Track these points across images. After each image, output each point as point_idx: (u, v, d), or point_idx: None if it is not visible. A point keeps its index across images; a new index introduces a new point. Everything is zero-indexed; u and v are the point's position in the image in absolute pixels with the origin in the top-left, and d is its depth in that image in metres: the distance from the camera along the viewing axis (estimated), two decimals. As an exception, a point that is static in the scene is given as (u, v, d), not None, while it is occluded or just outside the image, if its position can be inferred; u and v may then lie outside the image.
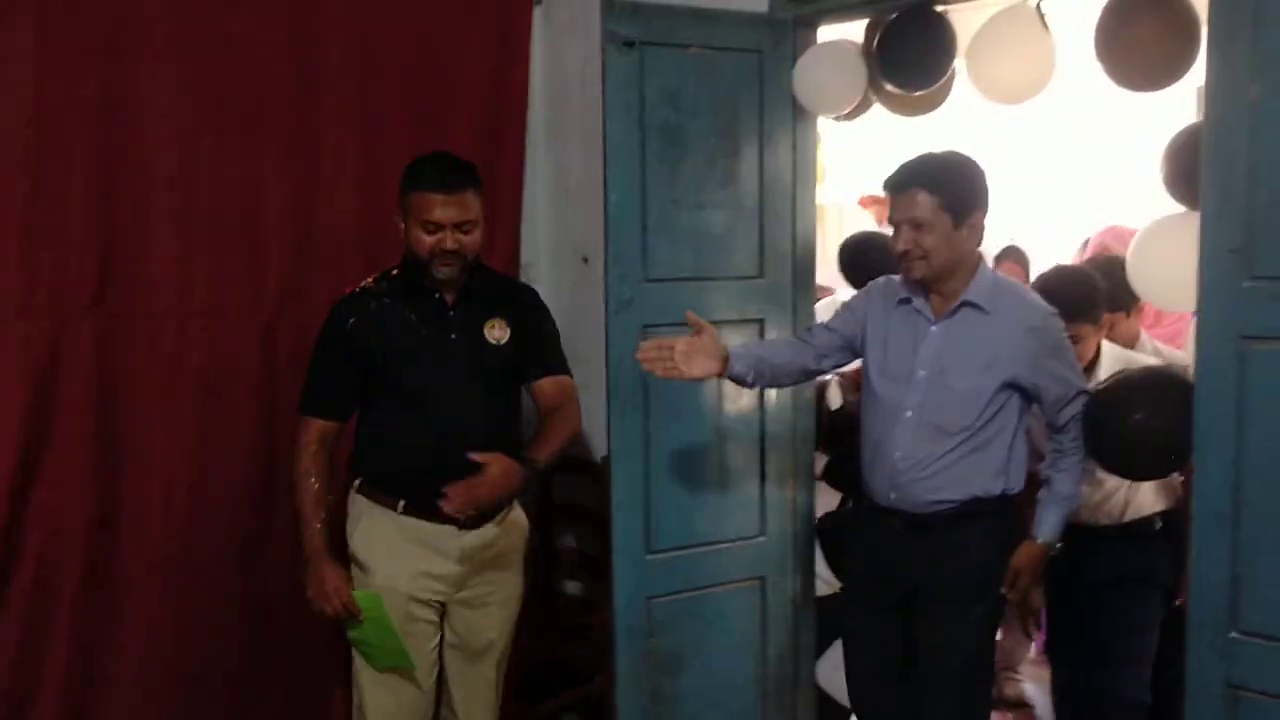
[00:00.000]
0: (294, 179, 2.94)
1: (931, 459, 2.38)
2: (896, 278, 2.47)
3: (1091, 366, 2.65)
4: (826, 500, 3.28)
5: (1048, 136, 4.78)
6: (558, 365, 2.63)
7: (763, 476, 2.98)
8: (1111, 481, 2.67)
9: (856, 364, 2.70)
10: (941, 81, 2.80)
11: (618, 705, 2.85)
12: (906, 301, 2.44)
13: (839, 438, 3.08)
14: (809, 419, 3.06)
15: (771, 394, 2.95)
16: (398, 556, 2.47)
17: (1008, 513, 2.43)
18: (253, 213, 2.89)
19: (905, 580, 2.47)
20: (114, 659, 2.73)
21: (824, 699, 3.22)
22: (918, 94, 2.86)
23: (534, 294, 2.72)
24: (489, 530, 2.52)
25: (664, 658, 2.90)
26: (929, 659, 2.46)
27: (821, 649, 3.22)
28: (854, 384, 3.09)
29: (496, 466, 2.40)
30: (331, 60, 2.99)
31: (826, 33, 2.96)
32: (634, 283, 2.73)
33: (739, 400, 2.91)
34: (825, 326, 2.61)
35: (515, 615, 2.67)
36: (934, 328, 2.40)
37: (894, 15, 2.79)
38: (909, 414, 2.40)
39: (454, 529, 2.45)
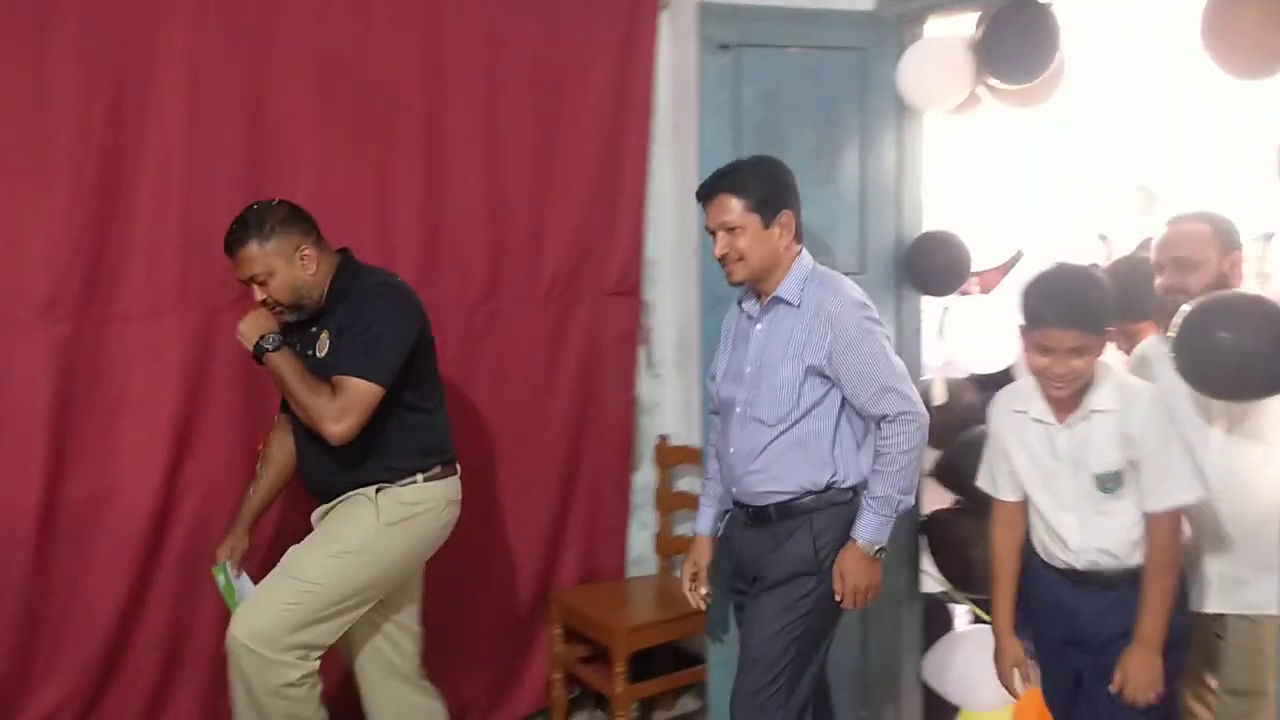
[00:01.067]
0: (423, 184, 3.17)
1: (755, 451, 2.43)
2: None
3: (1086, 389, 2.21)
4: (939, 497, 3.27)
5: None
6: (343, 366, 2.49)
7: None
8: None
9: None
10: (1047, 74, 2.74)
11: (714, 688, 2.94)
12: (741, 305, 2.54)
13: (944, 434, 3.07)
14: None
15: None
16: None
17: (846, 505, 2.39)
18: (384, 215, 3.13)
19: (753, 569, 2.49)
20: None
21: (930, 695, 3.22)
22: (1024, 87, 2.82)
23: (359, 297, 2.55)
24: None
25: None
26: (744, 635, 2.49)
27: (928, 645, 3.22)
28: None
29: None
30: (460, 71, 3.20)
31: (932, 27, 2.95)
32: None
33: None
34: (712, 378, 2.62)
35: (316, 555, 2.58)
36: (757, 325, 2.47)
37: (998, 9, 2.76)
38: (738, 410, 2.47)
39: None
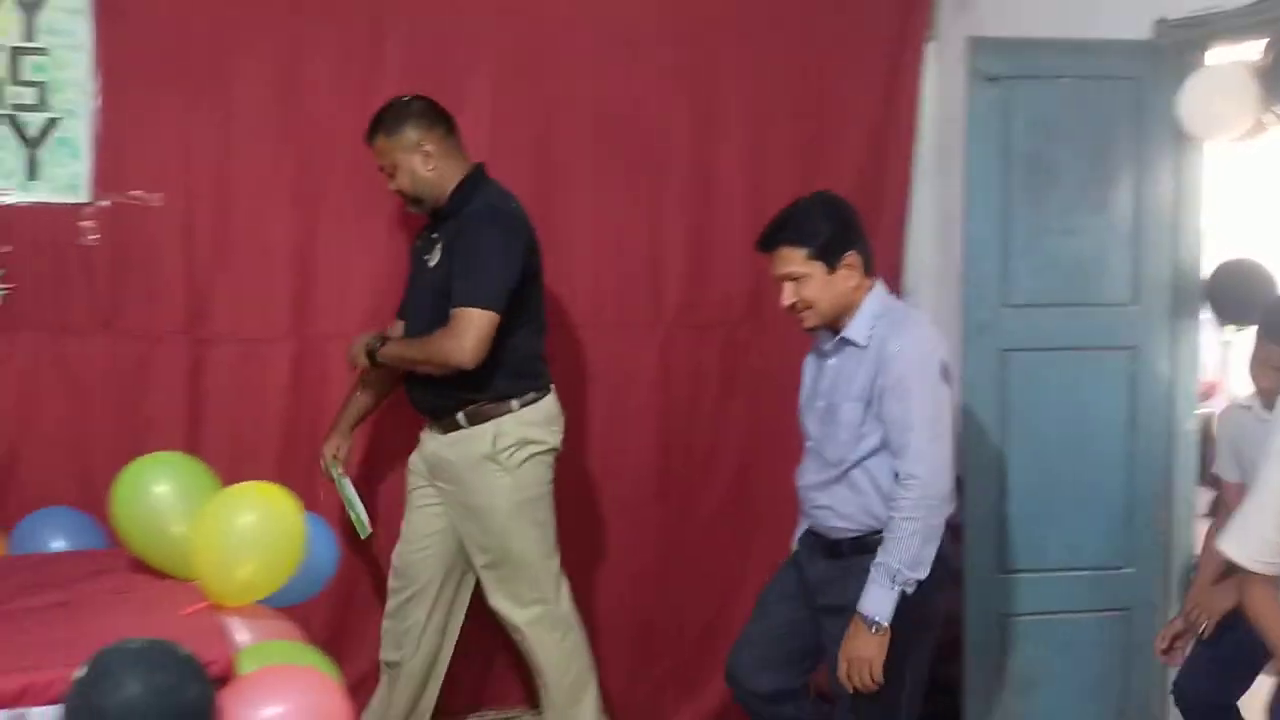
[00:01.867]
0: (690, 213, 3.35)
1: (821, 488, 2.41)
2: None
3: None
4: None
5: None
6: (460, 295, 2.63)
7: (1130, 506, 2.93)
8: None
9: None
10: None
11: (967, 717, 2.94)
12: (817, 345, 2.51)
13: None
14: (1189, 450, 2.96)
15: (1143, 418, 2.90)
16: None
17: None
18: (655, 243, 3.34)
19: (822, 596, 2.43)
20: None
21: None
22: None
23: (471, 218, 2.70)
24: (435, 438, 2.82)
25: (1015, 677, 2.95)
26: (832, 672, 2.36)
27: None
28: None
29: None
30: (727, 105, 3.36)
31: (1213, 55, 2.86)
32: (992, 307, 2.83)
33: (1103, 425, 2.89)
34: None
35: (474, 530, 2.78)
36: (830, 361, 2.45)
37: (1287, 33, 2.65)
38: (810, 444, 2.49)
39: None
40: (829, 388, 2.43)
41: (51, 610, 1.79)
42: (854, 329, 2.37)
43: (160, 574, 1.97)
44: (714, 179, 3.38)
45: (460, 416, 2.73)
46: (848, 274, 2.35)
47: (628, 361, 3.35)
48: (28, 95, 2.75)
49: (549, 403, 2.83)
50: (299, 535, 1.93)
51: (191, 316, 2.92)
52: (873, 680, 2.25)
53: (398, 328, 2.89)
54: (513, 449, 2.73)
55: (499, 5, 3.11)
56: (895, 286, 3.64)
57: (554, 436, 2.83)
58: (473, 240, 2.65)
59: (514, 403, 2.75)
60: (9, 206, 2.77)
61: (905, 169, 3.64)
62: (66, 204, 2.81)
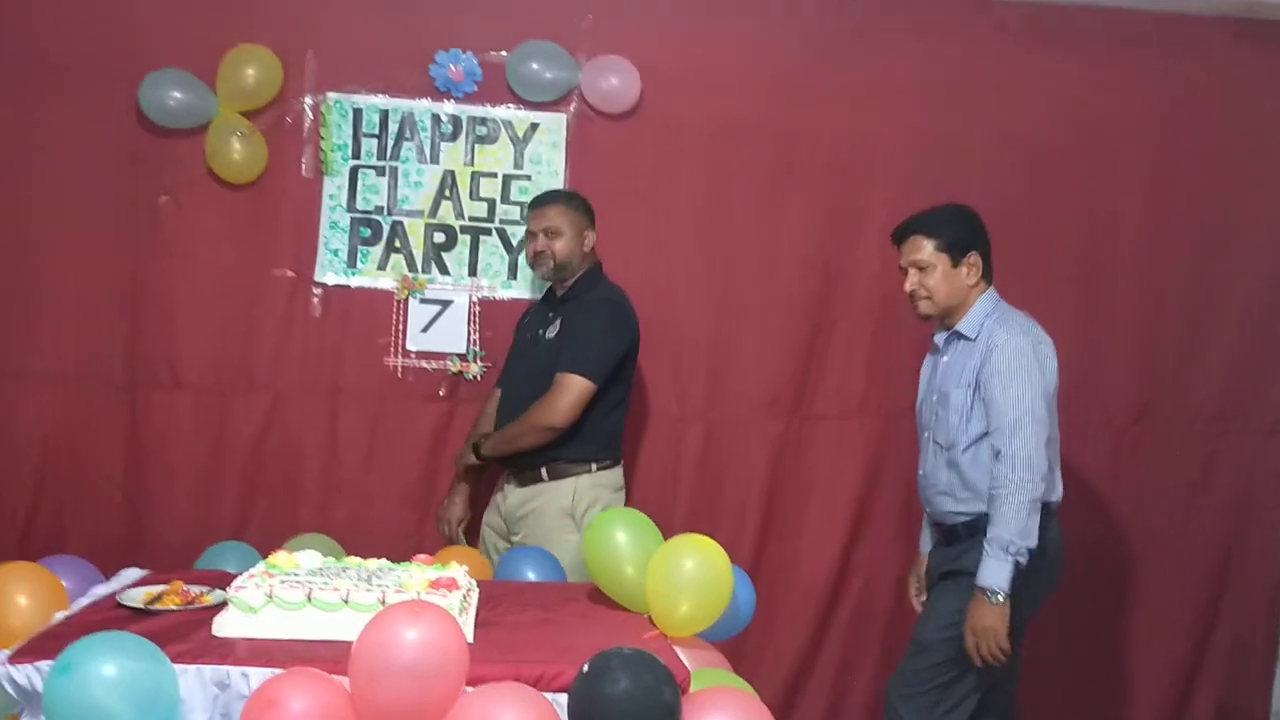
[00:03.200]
0: (1076, 314, 3.47)
1: (939, 473, 2.65)
2: None
3: None
4: None
5: None
6: (566, 363, 2.96)
7: None
8: None
9: None
10: None
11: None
12: (933, 339, 2.76)
13: None
14: None
15: None
16: None
17: None
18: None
19: (937, 571, 2.70)
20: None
21: None
22: None
23: (588, 304, 3.06)
24: (516, 492, 3.08)
25: None
26: (918, 624, 2.70)
27: None
28: None
29: None
30: (1121, 204, 3.49)
31: None
32: None
33: None
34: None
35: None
36: (943, 357, 2.70)
37: None
38: (926, 434, 2.73)
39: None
40: (942, 379, 2.69)
41: (539, 625, 2.23)
42: (966, 323, 2.64)
43: (615, 605, 2.39)
44: (1105, 279, 3.49)
45: (543, 470, 3.03)
46: (968, 271, 2.64)
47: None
48: (514, 213, 3.41)
49: (619, 473, 3.13)
50: (727, 581, 2.28)
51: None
52: (1000, 650, 2.45)
53: (494, 396, 3.23)
54: (588, 508, 3.01)
55: (901, 126, 3.43)
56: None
57: (620, 503, 3.09)
58: (589, 319, 3.02)
59: (593, 465, 3.05)
60: (492, 300, 3.42)
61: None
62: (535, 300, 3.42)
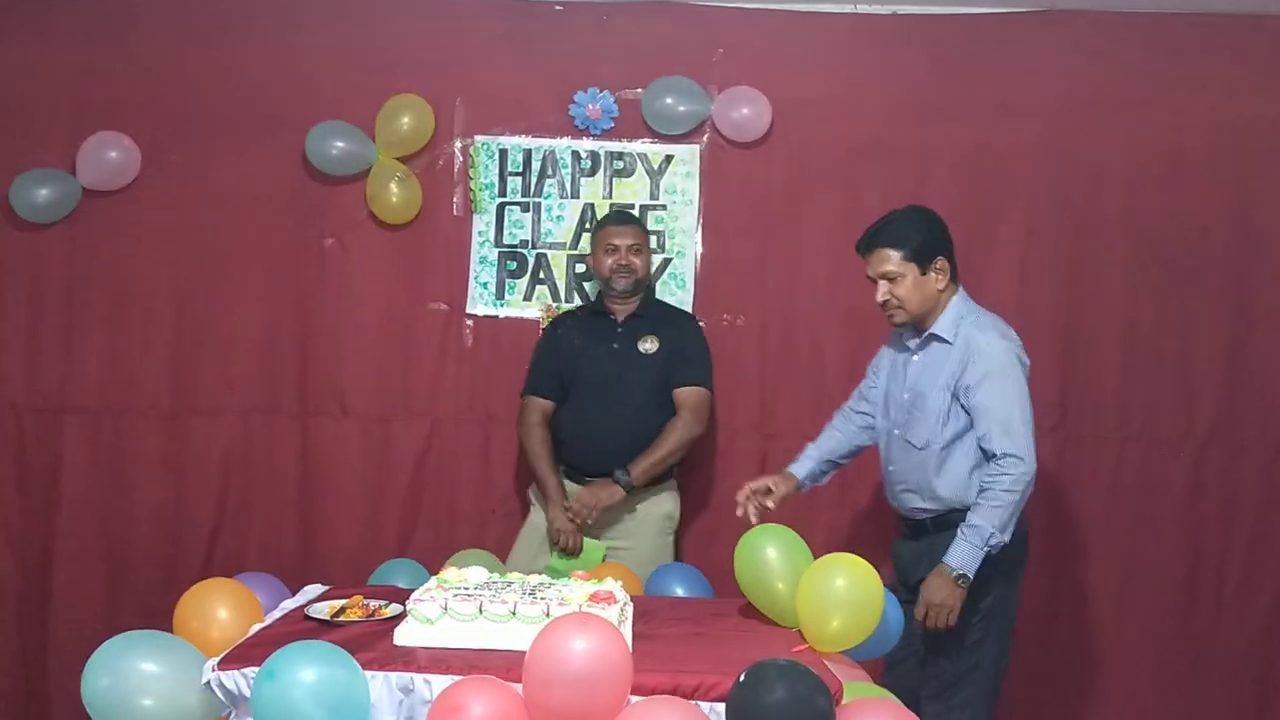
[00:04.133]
0: (1228, 326, 3.42)
1: (909, 473, 2.73)
2: None
3: None
4: None
5: None
6: (698, 377, 3.23)
7: None
8: None
9: None
10: None
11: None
12: (901, 338, 2.82)
13: None
14: None
15: None
16: None
17: None
18: (1185, 356, 3.43)
19: (911, 576, 2.73)
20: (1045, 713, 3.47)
21: None
22: None
23: (689, 318, 3.40)
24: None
25: None
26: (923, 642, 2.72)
27: None
28: None
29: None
30: (1268, 218, 3.41)
31: None
32: None
33: None
34: (861, 394, 2.96)
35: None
36: (914, 358, 2.76)
37: None
38: (895, 432, 2.78)
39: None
40: (915, 380, 2.75)
41: (693, 638, 2.33)
42: (941, 326, 2.70)
43: (765, 619, 2.47)
44: (1254, 292, 3.42)
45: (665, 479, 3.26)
46: (937, 277, 2.69)
47: (1155, 476, 3.45)
48: (651, 241, 3.54)
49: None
50: (879, 600, 2.35)
51: (763, 415, 3.52)
52: (949, 623, 2.58)
53: (542, 405, 3.29)
54: (674, 516, 3.29)
55: (1035, 143, 3.44)
56: None
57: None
58: (694, 336, 3.32)
59: (672, 480, 3.32)
60: (634, 326, 3.56)
61: None
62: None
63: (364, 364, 3.56)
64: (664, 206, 3.56)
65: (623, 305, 3.32)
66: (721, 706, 1.99)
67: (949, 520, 2.66)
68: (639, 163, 3.56)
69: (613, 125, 3.54)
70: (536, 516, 3.30)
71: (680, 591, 2.87)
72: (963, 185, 3.45)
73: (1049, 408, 3.41)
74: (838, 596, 2.31)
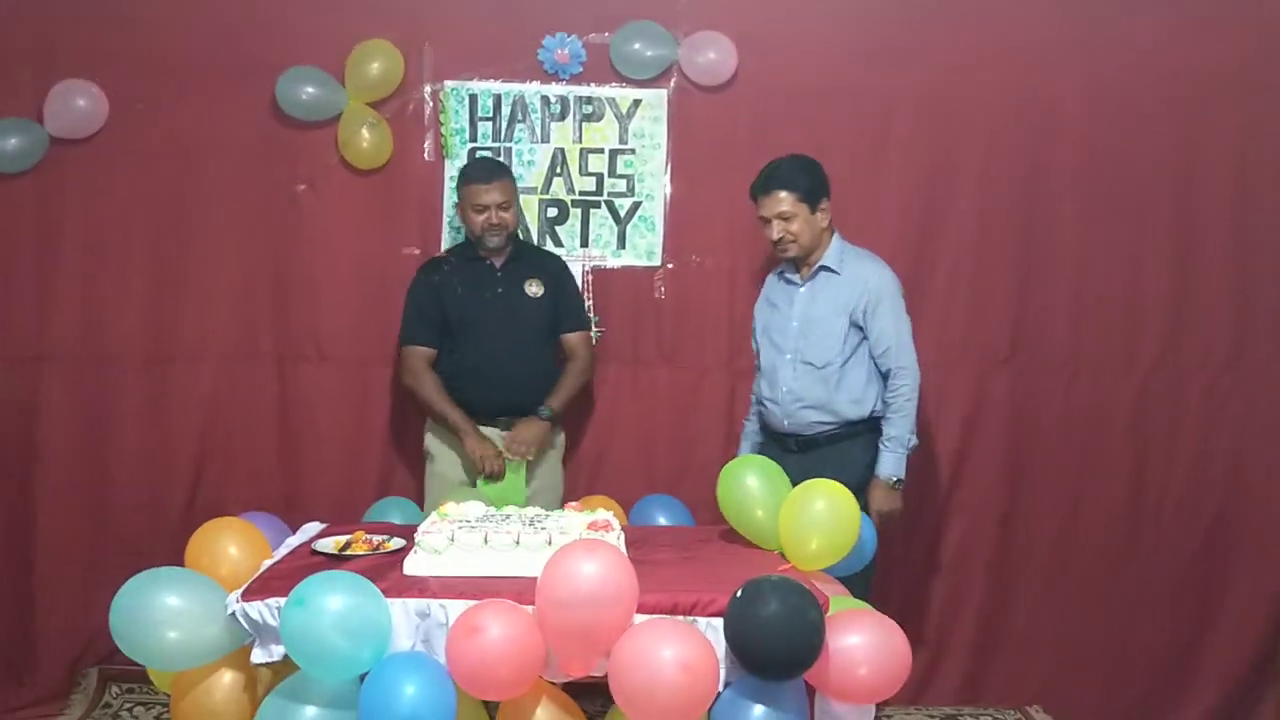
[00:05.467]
0: (1171, 260, 3.59)
1: (810, 390, 3.04)
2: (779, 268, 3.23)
3: None
4: None
5: None
6: (581, 322, 3.45)
7: None
8: None
9: None
10: None
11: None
12: (782, 275, 3.19)
13: None
14: None
15: None
16: None
17: (875, 434, 3.02)
18: (1133, 290, 3.61)
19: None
20: (1003, 627, 3.68)
21: None
22: None
23: (557, 260, 3.50)
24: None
25: None
26: None
27: None
28: None
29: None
30: (1208, 155, 3.57)
31: None
32: None
33: None
34: (756, 351, 3.29)
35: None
36: (801, 289, 3.12)
37: None
38: (788, 356, 3.10)
39: None
40: (805, 308, 3.10)
41: (684, 562, 2.48)
42: (829, 259, 3.09)
43: (747, 543, 2.62)
44: (1197, 228, 3.58)
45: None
46: (822, 216, 3.06)
47: (1102, 405, 3.63)
48: (620, 185, 3.62)
49: None
50: (855, 520, 2.51)
51: (731, 352, 3.64)
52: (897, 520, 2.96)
53: (425, 353, 3.35)
54: (562, 447, 3.49)
55: (994, 87, 3.56)
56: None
57: None
58: (570, 279, 3.48)
59: None
60: (605, 269, 3.65)
61: None
62: (644, 267, 3.65)
63: (339, 309, 3.60)
64: (633, 150, 3.63)
65: (498, 253, 3.40)
66: (719, 621, 2.13)
67: (839, 435, 3.05)
68: (608, 107, 3.62)
69: (581, 70, 3.59)
70: (440, 465, 3.37)
71: (664, 521, 3.01)
72: (924, 128, 3.56)
73: (1002, 342, 3.60)
74: (818, 518, 2.47)
